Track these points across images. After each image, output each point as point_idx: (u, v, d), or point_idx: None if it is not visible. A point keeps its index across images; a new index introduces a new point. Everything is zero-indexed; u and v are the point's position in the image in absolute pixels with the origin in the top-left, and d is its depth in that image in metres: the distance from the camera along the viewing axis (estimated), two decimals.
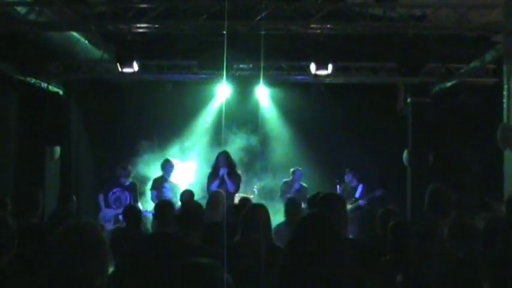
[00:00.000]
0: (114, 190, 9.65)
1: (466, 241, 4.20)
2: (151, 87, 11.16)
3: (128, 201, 9.51)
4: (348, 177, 10.44)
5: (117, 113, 11.75)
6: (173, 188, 9.58)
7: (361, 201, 10.07)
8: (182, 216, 4.73)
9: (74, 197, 7.60)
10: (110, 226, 9.20)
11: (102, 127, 11.84)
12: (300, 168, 10.39)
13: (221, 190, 7.97)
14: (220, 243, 4.48)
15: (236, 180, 9.04)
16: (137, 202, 9.59)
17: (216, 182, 8.85)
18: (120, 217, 9.17)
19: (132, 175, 9.88)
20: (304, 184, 10.30)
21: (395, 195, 10.76)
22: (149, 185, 9.82)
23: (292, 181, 10.30)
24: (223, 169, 8.87)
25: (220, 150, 9.34)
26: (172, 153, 10.84)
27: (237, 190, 9.09)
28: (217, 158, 9.11)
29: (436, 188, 5.08)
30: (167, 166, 9.76)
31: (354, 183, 10.42)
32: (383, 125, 11.61)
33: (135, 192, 9.74)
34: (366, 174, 10.55)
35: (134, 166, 10.22)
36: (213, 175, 9.02)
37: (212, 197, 7.18)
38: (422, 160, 10.52)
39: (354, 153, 11.40)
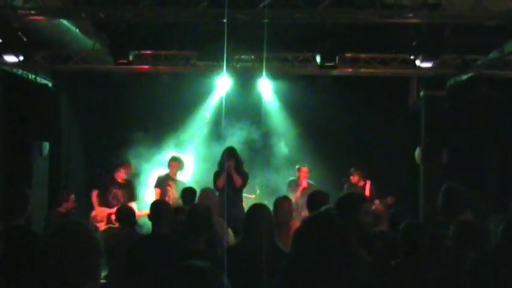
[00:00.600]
0: (111, 187, 9.66)
1: (473, 243, 4.20)
2: (146, 79, 11.16)
3: (125, 200, 9.53)
4: (354, 179, 10.41)
5: (110, 107, 11.74)
6: (179, 186, 9.62)
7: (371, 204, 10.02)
8: (190, 221, 4.75)
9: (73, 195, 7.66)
10: (102, 226, 9.23)
11: (94, 121, 11.83)
12: (305, 165, 10.39)
13: (212, 189, 8.00)
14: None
15: (243, 175, 9.09)
16: (134, 200, 9.62)
17: (222, 179, 8.89)
18: (113, 217, 9.20)
19: (130, 173, 9.90)
20: (311, 182, 10.31)
21: (407, 195, 10.74)
22: (145, 181, 9.89)
23: (299, 179, 10.31)
24: (229, 162, 8.94)
25: (227, 146, 9.43)
26: (169, 149, 10.92)
27: (244, 185, 9.13)
28: (223, 154, 9.16)
29: (450, 187, 5.08)
30: (173, 164, 9.91)
31: (361, 183, 10.40)
32: (394, 120, 11.60)
33: (132, 190, 9.76)
34: (375, 173, 10.53)
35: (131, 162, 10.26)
36: (220, 172, 9.06)
37: (203, 194, 7.21)
38: (436, 158, 10.50)
39: (362, 151, 11.41)
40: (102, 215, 9.43)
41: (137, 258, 5.10)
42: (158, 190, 9.79)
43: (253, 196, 10.47)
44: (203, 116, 11.74)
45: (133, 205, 9.60)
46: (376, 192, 10.21)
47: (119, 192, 9.64)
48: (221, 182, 8.93)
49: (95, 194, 9.73)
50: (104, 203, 9.61)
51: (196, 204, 6.33)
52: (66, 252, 2.58)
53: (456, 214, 4.83)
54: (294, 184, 10.38)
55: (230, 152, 9.16)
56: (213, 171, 9.35)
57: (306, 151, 11.41)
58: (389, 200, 9.92)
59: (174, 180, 9.90)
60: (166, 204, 5.87)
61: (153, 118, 11.56)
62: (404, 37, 9.41)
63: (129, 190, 9.77)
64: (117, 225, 8.93)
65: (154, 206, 5.59)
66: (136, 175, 10.40)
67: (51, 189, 10.81)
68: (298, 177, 10.35)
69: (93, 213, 9.55)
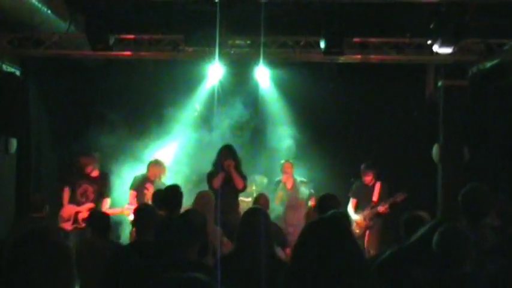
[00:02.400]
0: (80, 182, 9.63)
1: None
2: (128, 68, 11.15)
3: (96, 197, 9.53)
4: (367, 179, 10.41)
5: (86, 98, 11.73)
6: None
7: (380, 208, 10.07)
8: (181, 228, 4.75)
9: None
10: (68, 226, 9.23)
11: (68, 115, 11.79)
12: (289, 160, 10.51)
13: (209, 191, 8.01)
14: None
15: (243, 176, 9.13)
16: (107, 197, 9.61)
17: (219, 178, 8.90)
18: (79, 216, 9.21)
19: (99, 164, 9.86)
20: (299, 178, 10.41)
21: (424, 198, 10.76)
22: (126, 178, 10.06)
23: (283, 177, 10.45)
24: (228, 161, 8.96)
25: (224, 144, 9.46)
26: (153, 146, 10.96)
27: (245, 188, 9.18)
28: (219, 153, 9.17)
29: (473, 189, 5.07)
30: (153, 167, 9.98)
31: (372, 182, 10.42)
32: (408, 113, 11.62)
33: (104, 185, 9.73)
34: (387, 172, 10.55)
35: (105, 155, 10.39)
36: (216, 171, 9.07)
37: (200, 197, 7.21)
38: (456, 156, 10.52)
39: (372, 148, 11.40)
40: (69, 214, 9.40)
41: (119, 270, 5.10)
42: (133, 192, 9.80)
43: (250, 199, 10.47)
44: (192, 109, 11.73)
45: (107, 202, 9.62)
46: (386, 195, 10.22)
47: (89, 188, 9.62)
48: (217, 182, 8.94)
49: (66, 190, 9.71)
50: (73, 200, 9.58)
51: (189, 209, 6.35)
52: (34, 264, 2.55)
53: (480, 218, 4.82)
54: (277, 185, 10.49)
55: (228, 150, 9.17)
56: (202, 170, 9.36)
57: (308, 147, 11.43)
58: (399, 196, 9.94)
59: (152, 182, 9.87)
60: (153, 209, 5.88)
61: (135, 111, 11.55)
62: (420, 19, 9.41)
63: (103, 185, 9.74)
64: (83, 225, 8.98)
65: (140, 211, 5.59)
66: (116, 172, 10.47)
67: (19, 190, 10.79)
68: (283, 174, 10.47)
69: (61, 211, 9.52)
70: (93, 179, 9.73)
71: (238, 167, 9.19)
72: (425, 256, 4.02)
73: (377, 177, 10.44)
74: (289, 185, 10.46)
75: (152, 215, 5.57)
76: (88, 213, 9.12)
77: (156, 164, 10.08)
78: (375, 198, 10.26)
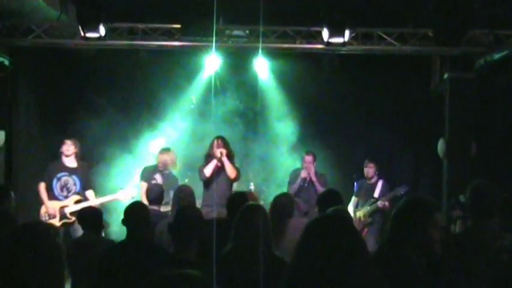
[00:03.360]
0: (59, 175, 9.58)
1: None
2: (121, 57, 11.11)
3: (79, 188, 9.49)
4: (369, 172, 10.43)
5: (78, 89, 11.69)
6: (168, 181, 9.70)
7: (380, 203, 10.08)
8: (176, 226, 4.74)
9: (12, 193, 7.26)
10: (56, 223, 9.22)
11: (59, 105, 11.78)
12: (312, 151, 10.43)
13: (188, 185, 7.99)
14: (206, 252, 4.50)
15: (236, 168, 9.14)
16: (89, 188, 9.58)
17: (211, 166, 8.89)
18: (67, 211, 9.17)
19: (79, 153, 9.82)
20: (320, 172, 10.39)
21: (429, 194, 10.76)
22: (120, 172, 10.20)
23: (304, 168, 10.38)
24: (220, 150, 8.97)
25: (216, 135, 9.42)
26: (147, 139, 11.05)
27: (237, 178, 9.21)
28: (211, 144, 9.18)
29: (480, 185, 5.06)
30: (162, 156, 10.05)
31: (374, 179, 10.44)
32: (413, 106, 11.64)
33: (85, 175, 9.70)
34: (390, 168, 10.56)
35: (97, 146, 10.51)
36: (206, 161, 9.08)
37: (177, 192, 7.21)
38: (463, 151, 10.52)
39: (376, 142, 11.42)
40: (54, 210, 9.34)
41: (112, 269, 5.10)
42: (144, 184, 9.77)
43: None
44: (188, 101, 11.75)
45: (91, 194, 9.60)
46: (388, 193, 10.23)
47: (69, 180, 9.56)
48: (209, 170, 8.96)
49: (42, 186, 9.57)
50: (52, 195, 9.52)
51: (186, 206, 6.36)
52: (23, 263, 2.55)
53: (487, 217, 4.81)
54: (294, 174, 10.43)
55: (221, 141, 9.18)
56: (197, 164, 9.38)
57: (308, 140, 11.46)
58: (400, 190, 9.96)
59: (162, 173, 9.90)
60: (144, 206, 5.87)
61: (129, 103, 11.57)
62: (425, 8, 9.39)
63: (84, 176, 9.71)
64: (73, 219, 8.96)
65: (131, 208, 5.59)
66: (109, 162, 10.61)
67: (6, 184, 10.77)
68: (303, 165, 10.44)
69: (43, 209, 9.45)
70: (73, 170, 9.66)
71: (231, 158, 9.20)
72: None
73: (379, 174, 10.44)
74: (303, 176, 10.36)
75: (143, 212, 5.55)
76: (75, 205, 9.14)
77: (165, 153, 10.08)
78: (376, 194, 10.28)
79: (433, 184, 11.19)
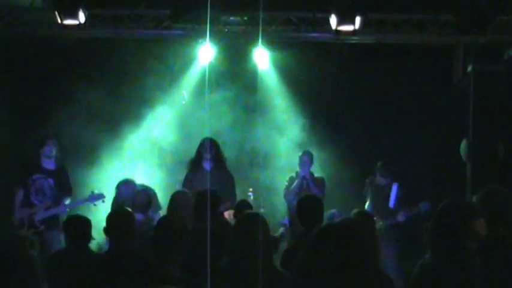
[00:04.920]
0: (34, 177, 9.53)
1: None
2: (104, 47, 11.13)
3: (55, 192, 9.46)
4: (380, 177, 10.34)
5: (54, 83, 11.68)
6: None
7: (400, 216, 9.99)
8: (156, 238, 4.72)
9: None
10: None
11: (33, 102, 11.74)
12: (308, 151, 10.39)
13: (186, 190, 7.99)
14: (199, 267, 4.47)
15: (225, 179, 9.08)
16: (67, 195, 9.53)
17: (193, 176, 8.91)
18: (37, 218, 9.13)
19: (59, 154, 9.78)
20: (317, 175, 10.34)
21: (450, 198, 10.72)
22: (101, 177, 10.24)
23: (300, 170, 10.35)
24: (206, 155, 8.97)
25: (204, 137, 9.39)
26: (131, 141, 11.09)
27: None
28: (200, 146, 9.15)
29: (492, 192, 5.06)
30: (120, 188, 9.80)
31: (387, 182, 10.30)
32: (432, 102, 11.59)
33: (64, 178, 9.64)
34: (406, 173, 10.50)
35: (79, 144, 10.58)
36: (194, 168, 9.06)
37: (175, 198, 7.21)
38: (489, 153, 10.48)
39: (389, 142, 11.38)
40: (21, 218, 9.29)
41: (93, 284, 5.08)
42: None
43: None
44: (179, 96, 11.72)
45: (68, 201, 9.57)
46: (404, 201, 10.14)
47: (45, 184, 9.51)
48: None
49: (21, 190, 9.54)
50: (27, 200, 9.45)
51: (168, 215, 6.32)
52: None
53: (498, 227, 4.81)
54: (291, 181, 10.44)
55: (209, 145, 9.12)
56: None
57: (313, 138, 11.50)
58: (422, 207, 9.87)
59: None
60: (129, 214, 5.83)
61: (112, 99, 11.48)
62: None
63: (61, 180, 9.64)
64: (42, 227, 8.95)
65: (115, 216, 5.55)
66: (93, 162, 10.71)
67: None
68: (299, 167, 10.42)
69: (14, 216, 9.39)
70: (49, 172, 9.61)
71: (218, 165, 9.15)
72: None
73: (394, 179, 10.38)
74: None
75: (129, 220, 5.52)
76: (46, 212, 9.11)
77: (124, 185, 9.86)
78: (391, 203, 10.17)
79: (455, 191, 11.11)
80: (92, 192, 9.53)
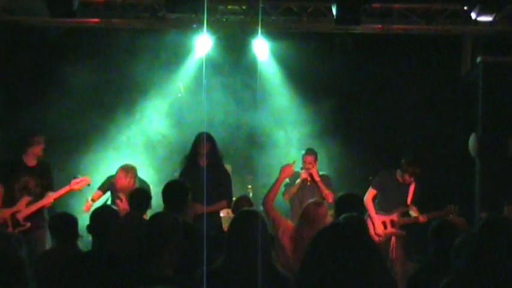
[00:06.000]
0: (19, 175, 9.50)
1: None
2: (96, 38, 11.10)
3: (40, 190, 9.42)
4: (406, 175, 10.17)
5: (44, 74, 11.66)
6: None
7: (422, 217, 9.81)
8: (147, 236, 4.70)
9: None
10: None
11: (18, 95, 11.76)
12: (312, 149, 10.33)
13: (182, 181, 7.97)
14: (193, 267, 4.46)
15: (221, 177, 9.05)
16: (50, 190, 9.51)
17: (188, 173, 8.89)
18: (20, 215, 9.10)
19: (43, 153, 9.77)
20: (321, 172, 10.28)
21: (458, 199, 10.72)
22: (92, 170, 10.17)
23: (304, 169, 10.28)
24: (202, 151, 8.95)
25: (200, 132, 9.36)
26: (123, 133, 11.11)
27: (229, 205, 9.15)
28: (195, 142, 9.13)
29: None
30: (118, 174, 9.76)
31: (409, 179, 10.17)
32: (440, 95, 11.61)
33: (47, 175, 9.61)
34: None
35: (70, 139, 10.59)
36: (189, 165, 9.04)
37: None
38: (498, 149, 10.49)
39: (395, 137, 11.38)
40: (3, 219, 9.24)
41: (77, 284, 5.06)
42: (99, 193, 9.69)
43: None
44: (175, 89, 11.72)
45: (52, 197, 9.53)
46: (419, 197, 10.08)
47: (30, 181, 9.47)
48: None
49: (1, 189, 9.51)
50: (10, 198, 9.41)
51: (159, 212, 6.32)
52: None
53: None
54: (293, 179, 10.34)
55: (205, 141, 9.09)
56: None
57: (316, 134, 11.43)
58: (448, 211, 9.75)
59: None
60: (114, 212, 5.82)
61: (104, 90, 11.54)
62: None
63: (45, 177, 9.59)
64: (28, 225, 8.94)
65: (99, 213, 5.54)
66: (83, 157, 10.72)
67: None
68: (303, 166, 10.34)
69: None
70: (33, 169, 9.56)
71: (215, 165, 9.14)
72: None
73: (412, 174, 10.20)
74: (302, 177, 10.31)
75: (112, 218, 5.51)
76: (28, 209, 9.09)
77: (123, 174, 9.78)
78: (409, 200, 10.02)
79: (463, 188, 11.14)
80: (75, 177, 9.50)
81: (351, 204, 6.24)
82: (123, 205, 8.84)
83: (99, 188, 9.66)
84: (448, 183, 11.00)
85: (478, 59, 10.96)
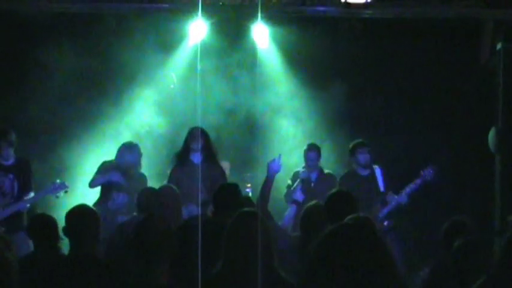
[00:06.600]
0: None
1: None
2: (82, 23, 11.08)
3: (17, 190, 9.41)
4: (360, 158, 10.13)
5: (25, 63, 11.65)
6: (135, 181, 9.70)
7: (401, 197, 9.85)
8: (136, 242, 4.70)
9: None
10: None
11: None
12: (315, 144, 10.32)
13: (172, 186, 7.97)
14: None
15: (216, 175, 9.04)
16: (29, 190, 9.49)
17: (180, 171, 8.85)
18: None
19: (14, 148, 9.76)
20: (327, 171, 10.26)
21: (476, 198, 10.73)
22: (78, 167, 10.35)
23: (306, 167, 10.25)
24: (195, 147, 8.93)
25: (192, 127, 9.37)
26: (109, 125, 11.18)
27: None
28: (188, 136, 9.12)
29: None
30: (123, 151, 9.99)
31: (368, 168, 10.15)
32: (457, 85, 11.59)
33: (26, 174, 9.60)
34: (425, 164, 10.49)
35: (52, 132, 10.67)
36: (181, 161, 9.03)
37: (161, 195, 7.21)
38: None
39: (407, 129, 11.36)
40: None
41: None
42: (100, 178, 9.82)
43: None
44: (167, 79, 11.71)
45: (31, 196, 9.53)
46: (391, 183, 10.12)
47: (5, 181, 9.46)
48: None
49: None
50: None
51: (149, 215, 6.32)
52: None
53: None
54: (296, 179, 10.35)
55: (199, 136, 9.09)
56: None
57: (321, 129, 11.49)
58: (426, 174, 9.78)
59: (125, 172, 9.85)
60: (93, 212, 5.81)
61: (90, 81, 11.55)
62: None
63: (23, 175, 9.56)
64: (2, 229, 8.94)
65: (76, 213, 5.52)
66: (67, 154, 10.78)
67: None
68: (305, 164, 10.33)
69: None
70: (9, 167, 9.56)
71: (210, 159, 9.13)
72: None
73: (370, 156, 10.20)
74: (313, 179, 10.29)
75: (92, 219, 5.49)
76: (3, 212, 9.10)
77: (128, 151, 9.98)
78: (382, 187, 10.05)
79: (483, 185, 11.13)
80: (53, 182, 9.52)
81: (343, 202, 6.29)
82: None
83: (97, 173, 9.78)
84: (465, 181, 10.99)
85: (499, 46, 10.91)
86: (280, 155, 7.34)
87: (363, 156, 10.02)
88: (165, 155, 10.58)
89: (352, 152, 10.07)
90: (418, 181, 9.83)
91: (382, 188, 10.02)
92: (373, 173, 10.11)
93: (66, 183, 9.46)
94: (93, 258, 5.21)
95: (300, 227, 6.86)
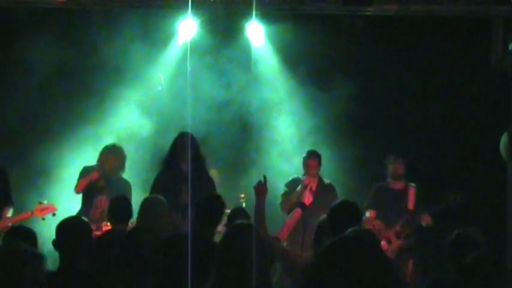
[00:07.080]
0: None
1: None
2: (65, 20, 11.13)
3: None
4: (394, 171, 10.24)
5: (2, 60, 11.68)
6: (118, 186, 9.73)
7: (423, 219, 9.92)
8: (124, 256, 4.69)
9: None
10: None
11: None
12: (316, 151, 10.32)
13: (160, 196, 7.97)
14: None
15: (202, 179, 9.05)
16: (9, 204, 9.46)
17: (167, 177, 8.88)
18: None
19: None
20: (327, 181, 10.26)
21: (487, 207, 10.74)
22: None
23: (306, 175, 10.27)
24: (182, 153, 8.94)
25: (180, 132, 9.41)
26: (95, 127, 11.21)
27: None
28: (174, 143, 9.12)
29: None
30: (106, 155, 10.09)
31: (401, 183, 10.24)
32: (466, 88, 11.59)
33: (4, 182, 9.56)
34: (434, 172, 10.49)
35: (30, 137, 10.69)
36: (167, 167, 9.04)
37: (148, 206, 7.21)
38: None
39: (413, 135, 11.36)
40: None
41: None
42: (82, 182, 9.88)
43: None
44: (155, 80, 11.71)
45: (9, 211, 9.47)
46: (422, 204, 10.14)
47: None
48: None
49: None
50: None
51: (137, 227, 6.30)
52: None
53: None
54: (292, 185, 10.33)
55: (187, 142, 9.09)
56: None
57: (318, 133, 11.50)
58: (451, 199, 9.85)
59: (107, 178, 9.84)
60: (85, 224, 5.80)
61: (75, 80, 11.58)
62: None
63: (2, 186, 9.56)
64: None
65: (66, 226, 5.50)
66: (49, 161, 10.87)
67: None
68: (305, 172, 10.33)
69: None
70: None
71: (201, 163, 9.14)
72: None
73: (407, 177, 10.31)
74: (313, 188, 10.29)
75: (82, 231, 5.47)
76: None
77: (110, 154, 9.98)
78: (410, 205, 10.12)
79: (494, 194, 11.14)
80: (40, 202, 9.50)
81: (347, 213, 6.28)
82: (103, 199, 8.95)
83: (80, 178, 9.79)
84: (476, 189, 10.98)
85: (511, 46, 10.96)
86: (264, 176, 7.26)
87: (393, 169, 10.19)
88: (149, 159, 10.55)
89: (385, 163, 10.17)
90: (440, 207, 9.88)
91: (411, 203, 10.09)
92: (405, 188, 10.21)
93: (54, 205, 9.46)
94: (85, 273, 5.19)
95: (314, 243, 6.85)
